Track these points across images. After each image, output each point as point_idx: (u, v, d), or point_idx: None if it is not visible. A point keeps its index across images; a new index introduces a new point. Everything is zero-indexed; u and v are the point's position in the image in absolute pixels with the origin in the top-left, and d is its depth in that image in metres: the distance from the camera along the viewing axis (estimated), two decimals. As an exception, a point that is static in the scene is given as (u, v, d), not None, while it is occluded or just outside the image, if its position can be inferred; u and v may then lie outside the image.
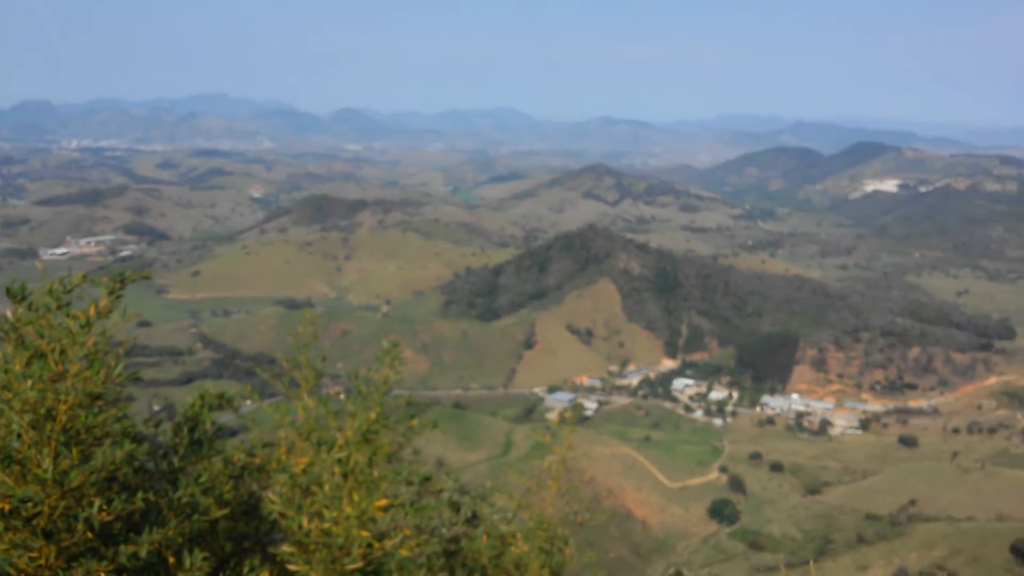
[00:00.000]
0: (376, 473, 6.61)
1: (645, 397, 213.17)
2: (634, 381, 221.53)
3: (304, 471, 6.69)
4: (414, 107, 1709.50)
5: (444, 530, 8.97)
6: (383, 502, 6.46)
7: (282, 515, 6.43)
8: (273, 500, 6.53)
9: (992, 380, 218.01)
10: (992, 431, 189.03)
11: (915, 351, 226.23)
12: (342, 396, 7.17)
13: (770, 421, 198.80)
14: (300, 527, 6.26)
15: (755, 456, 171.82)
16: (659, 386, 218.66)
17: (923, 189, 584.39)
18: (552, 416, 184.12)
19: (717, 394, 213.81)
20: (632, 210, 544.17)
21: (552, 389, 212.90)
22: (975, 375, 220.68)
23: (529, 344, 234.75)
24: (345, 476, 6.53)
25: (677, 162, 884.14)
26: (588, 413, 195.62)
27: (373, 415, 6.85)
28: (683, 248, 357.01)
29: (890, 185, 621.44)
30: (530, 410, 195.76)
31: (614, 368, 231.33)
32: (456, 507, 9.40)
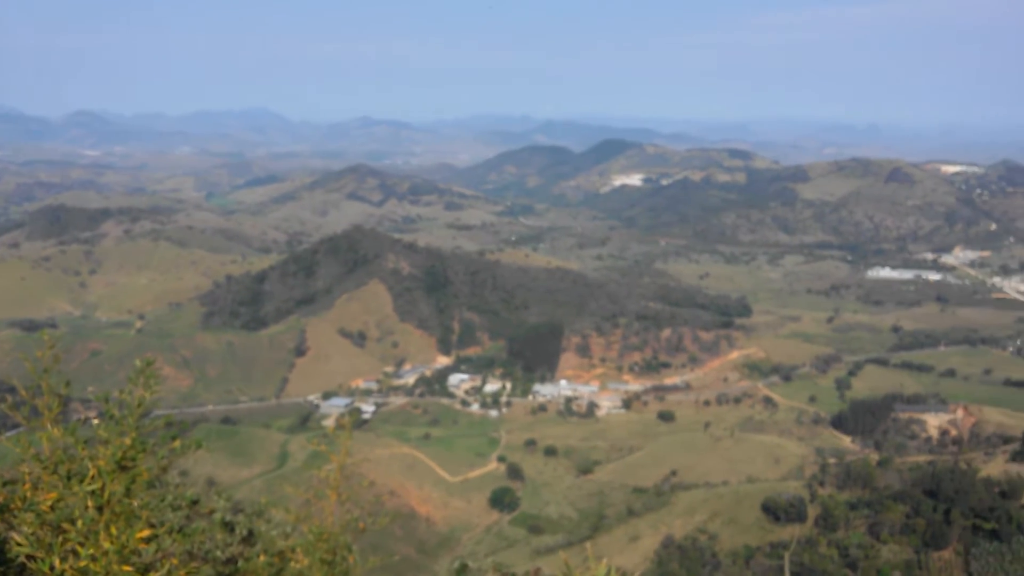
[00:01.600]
0: (136, 502, 6.15)
1: (422, 395, 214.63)
2: (410, 380, 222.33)
3: (53, 507, 6.08)
4: (158, 108, 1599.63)
5: (218, 552, 8.50)
6: (145, 532, 6.03)
7: (31, 557, 5.82)
8: (19, 542, 5.89)
9: (734, 354, 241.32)
10: (738, 401, 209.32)
11: (667, 332, 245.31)
12: (95, 422, 6.59)
13: (542, 408, 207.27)
14: (52, 569, 5.70)
15: (530, 443, 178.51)
16: (435, 383, 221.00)
17: (664, 182, 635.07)
18: (329, 423, 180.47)
19: (491, 386, 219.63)
20: (398, 210, 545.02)
21: (328, 395, 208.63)
22: (719, 351, 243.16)
23: (300, 351, 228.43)
24: (100, 509, 6.01)
25: (438, 161, 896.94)
26: (366, 416, 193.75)
27: (128, 440, 6.36)
28: (450, 246, 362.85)
29: (635, 179, 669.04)
30: (306, 419, 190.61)
31: (390, 369, 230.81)
32: (230, 527, 8.93)
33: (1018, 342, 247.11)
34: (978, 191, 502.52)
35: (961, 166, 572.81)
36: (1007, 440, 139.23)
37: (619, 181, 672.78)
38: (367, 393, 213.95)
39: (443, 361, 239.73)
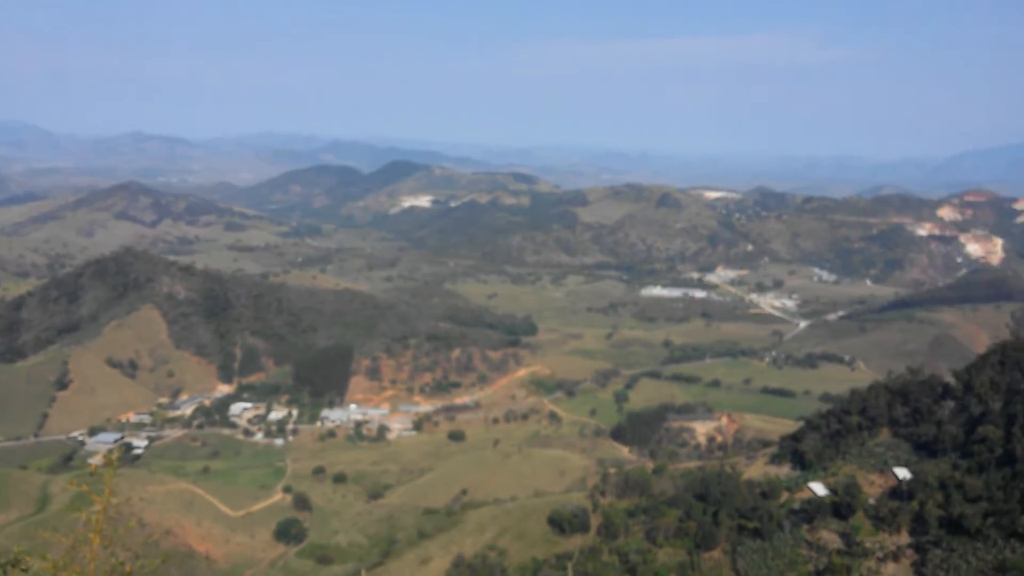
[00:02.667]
0: None
1: (201, 426, 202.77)
2: (188, 411, 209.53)
3: None
4: None
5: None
6: None
7: None
8: None
9: (522, 372, 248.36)
10: (525, 417, 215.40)
11: (456, 352, 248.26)
12: None
13: (331, 434, 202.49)
14: None
15: (319, 471, 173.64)
16: (216, 413, 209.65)
17: (453, 204, 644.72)
18: (96, 461, 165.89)
19: (276, 414, 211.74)
20: (173, 231, 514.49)
21: (94, 431, 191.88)
22: (508, 369, 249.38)
23: (63, 384, 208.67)
24: None
25: (218, 180, 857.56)
26: (138, 451, 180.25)
27: None
28: (231, 268, 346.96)
29: (424, 201, 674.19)
30: (69, 457, 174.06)
31: (165, 400, 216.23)
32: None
33: (773, 353, 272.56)
34: (737, 215, 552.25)
35: (722, 192, 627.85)
36: (766, 444, 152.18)
37: (408, 202, 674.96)
38: (139, 427, 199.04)
39: (224, 389, 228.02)
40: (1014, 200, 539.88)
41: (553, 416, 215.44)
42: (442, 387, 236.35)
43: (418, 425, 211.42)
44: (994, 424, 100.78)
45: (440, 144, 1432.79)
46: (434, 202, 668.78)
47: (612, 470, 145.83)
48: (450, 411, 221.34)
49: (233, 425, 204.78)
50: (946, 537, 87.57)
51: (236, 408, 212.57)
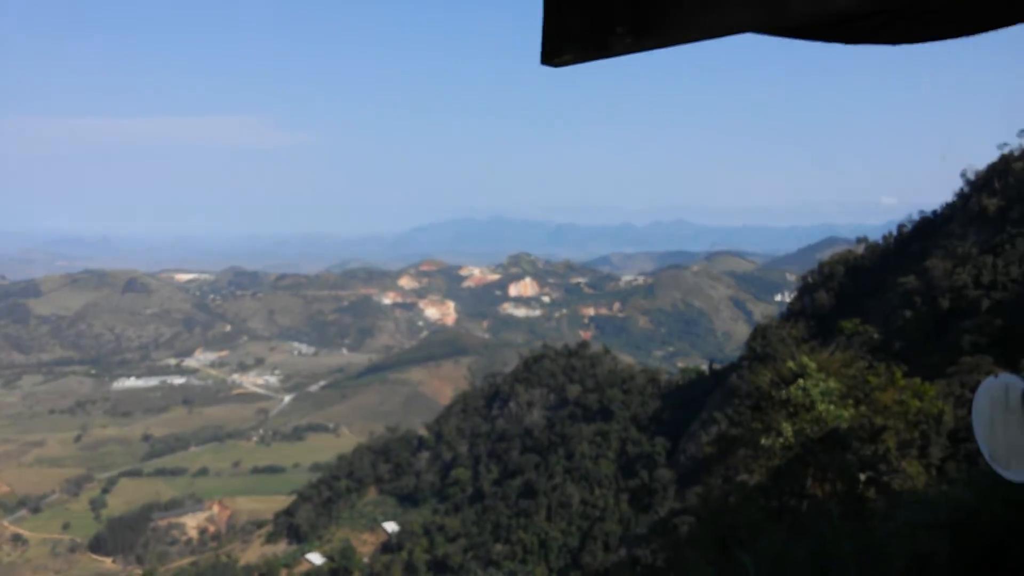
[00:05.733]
0: None
1: None
2: None
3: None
4: None
5: None
6: None
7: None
8: None
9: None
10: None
11: None
12: None
13: None
14: None
15: None
16: None
17: None
18: None
19: None
20: None
21: None
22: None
23: None
24: None
25: None
26: None
27: None
28: None
29: None
30: None
31: None
32: None
33: (260, 431, 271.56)
34: (211, 296, 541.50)
35: (194, 274, 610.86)
36: (261, 524, 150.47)
37: None
38: None
39: None
40: (460, 267, 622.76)
41: (17, 539, 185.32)
42: None
43: None
44: (463, 466, 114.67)
45: None
46: None
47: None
48: None
49: None
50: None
51: None
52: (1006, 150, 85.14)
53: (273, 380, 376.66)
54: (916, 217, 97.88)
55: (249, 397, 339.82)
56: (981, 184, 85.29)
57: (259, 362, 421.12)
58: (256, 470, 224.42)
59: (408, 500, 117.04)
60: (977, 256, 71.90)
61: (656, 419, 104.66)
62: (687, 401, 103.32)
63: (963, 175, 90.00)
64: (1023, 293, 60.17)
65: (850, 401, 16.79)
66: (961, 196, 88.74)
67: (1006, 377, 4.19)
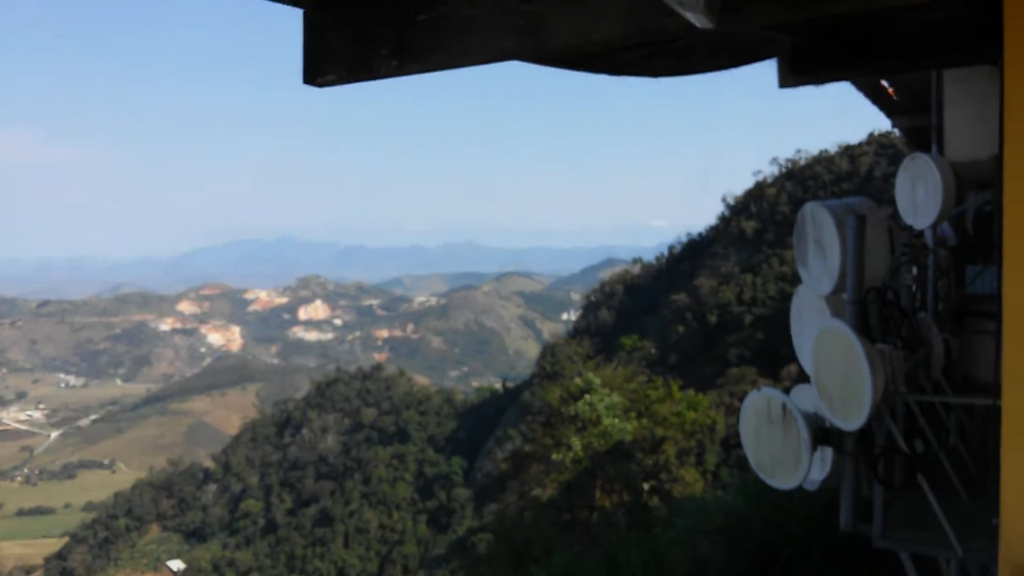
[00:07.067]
0: None
1: None
2: None
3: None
4: None
5: None
6: None
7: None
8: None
9: None
10: None
11: None
12: None
13: None
14: None
15: None
16: None
17: None
18: None
19: None
20: None
21: None
22: None
23: None
24: None
25: None
26: None
27: None
28: None
29: None
30: None
31: None
32: None
33: (25, 470, 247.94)
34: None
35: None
36: (29, 571, 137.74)
37: None
38: None
39: None
40: (245, 291, 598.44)
41: None
42: None
43: None
44: (254, 498, 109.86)
45: None
46: None
47: None
48: None
49: None
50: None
51: None
52: (760, 177, 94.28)
53: (37, 415, 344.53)
54: (684, 239, 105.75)
55: (11, 434, 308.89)
56: (740, 208, 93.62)
57: (21, 396, 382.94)
58: (21, 512, 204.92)
59: (195, 536, 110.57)
60: (739, 275, 78.74)
61: (452, 439, 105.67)
62: (482, 420, 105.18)
63: (724, 199, 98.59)
64: (780, 309, 66.36)
65: (633, 414, 17.77)
66: (723, 219, 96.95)
67: (768, 391, 4.47)
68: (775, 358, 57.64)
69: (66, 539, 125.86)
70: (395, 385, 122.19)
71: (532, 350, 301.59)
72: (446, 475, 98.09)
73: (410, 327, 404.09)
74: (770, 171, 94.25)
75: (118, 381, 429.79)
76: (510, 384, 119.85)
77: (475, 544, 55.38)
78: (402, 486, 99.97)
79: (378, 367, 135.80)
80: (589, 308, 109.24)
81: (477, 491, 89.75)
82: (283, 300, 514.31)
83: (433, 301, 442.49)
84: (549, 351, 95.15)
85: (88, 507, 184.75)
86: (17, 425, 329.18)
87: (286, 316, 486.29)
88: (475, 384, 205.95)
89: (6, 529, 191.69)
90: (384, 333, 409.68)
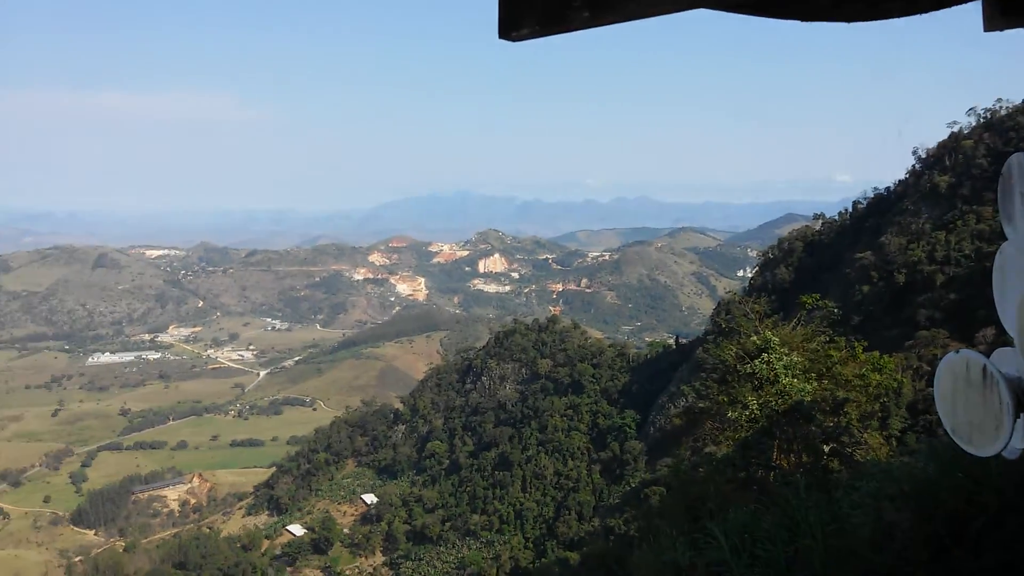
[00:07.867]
0: None
1: None
2: None
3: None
4: None
5: None
6: None
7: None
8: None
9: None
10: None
11: None
12: None
13: None
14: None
15: None
16: None
17: None
18: None
19: None
20: None
21: None
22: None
23: None
24: None
25: None
26: None
27: None
28: None
29: None
30: None
31: None
32: None
33: (237, 405, 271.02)
34: (183, 272, 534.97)
35: (165, 249, 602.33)
36: (241, 497, 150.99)
37: None
38: None
39: None
40: (429, 243, 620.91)
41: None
42: None
43: None
44: (439, 439, 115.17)
45: None
46: None
47: (78, 559, 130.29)
48: None
49: None
50: (413, 548, 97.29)
51: None
52: (955, 128, 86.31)
53: (248, 355, 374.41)
54: (870, 194, 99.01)
55: (225, 372, 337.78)
56: (932, 162, 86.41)
57: (233, 337, 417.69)
58: (235, 443, 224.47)
59: (386, 472, 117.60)
60: (930, 232, 73.00)
61: (626, 392, 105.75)
62: (655, 375, 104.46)
63: (915, 153, 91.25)
64: (976, 269, 61.22)
65: (812, 375, 17.13)
66: (913, 173, 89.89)
67: (967, 353, 4.24)
68: (970, 321, 53.42)
69: (273, 470, 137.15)
70: (570, 337, 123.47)
71: (706, 307, 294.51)
72: (619, 427, 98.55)
73: (584, 281, 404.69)
74: (967, 122, 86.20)
75: (317, 326, 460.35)
76: (683, 340, 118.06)
77: (648, 496, 55.55)
78: (577, 436, 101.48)
79: (553, 319, 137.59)
80: (766, 265, 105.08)
81: (650, 444, 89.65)
82: (464, 253, 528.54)
83: (607, 256, 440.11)
84: (724, 308, 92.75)
85: (292, 440, 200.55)
86: (230, 364, 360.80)
87: (467, 268, 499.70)
88: (648, 339, 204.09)
89: (222, 458, 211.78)
90: (559, 287, 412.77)
